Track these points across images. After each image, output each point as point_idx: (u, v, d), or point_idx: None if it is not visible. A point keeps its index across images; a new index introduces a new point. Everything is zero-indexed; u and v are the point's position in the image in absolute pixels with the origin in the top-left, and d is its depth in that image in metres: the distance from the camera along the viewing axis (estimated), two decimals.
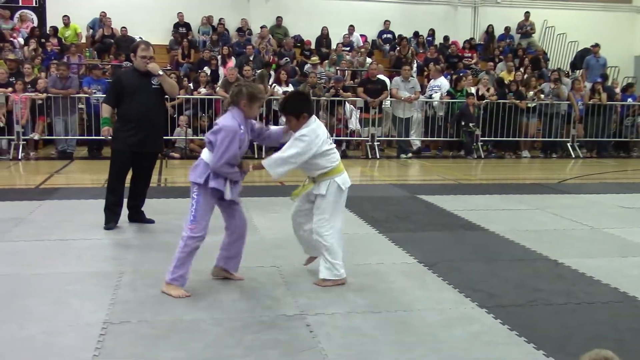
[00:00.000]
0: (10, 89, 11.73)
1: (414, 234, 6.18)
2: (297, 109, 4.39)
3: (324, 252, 4.47)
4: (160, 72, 6.10)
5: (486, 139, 13.59)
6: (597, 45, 16.81)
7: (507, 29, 19.07)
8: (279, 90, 12.94)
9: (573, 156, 13.79)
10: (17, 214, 6.67)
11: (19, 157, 11.50)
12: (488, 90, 13.78)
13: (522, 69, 16.06)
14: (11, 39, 15.17)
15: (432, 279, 4.78)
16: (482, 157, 13.31)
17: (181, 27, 16.98)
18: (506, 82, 14.32)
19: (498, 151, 13.86)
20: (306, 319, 3.90)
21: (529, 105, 13.65)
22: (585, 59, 17.10)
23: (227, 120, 4.22)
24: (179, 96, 11.28)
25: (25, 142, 11.81)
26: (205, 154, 4.24)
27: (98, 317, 3.84)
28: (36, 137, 12.07)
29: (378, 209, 7.30)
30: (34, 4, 17.07)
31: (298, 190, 4.59)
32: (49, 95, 11.83)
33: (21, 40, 15.33)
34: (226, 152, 4.12)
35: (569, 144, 13.97)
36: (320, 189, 4.42)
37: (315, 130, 4.37)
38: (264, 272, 4.79)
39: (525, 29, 19.10)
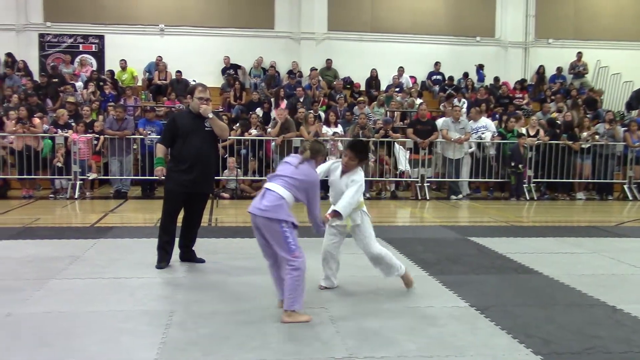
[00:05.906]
0: (70, 131, 12.16)
1: (466, 277, 6.07)
2: (365, 155, 5.33)
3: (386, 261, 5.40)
4: (211, 115, 6.20)
5: (539, 180, 13.35)
6: None
7: (559, 69, 18.92)
8: (328, 131, 13.04)
9: (630, 198, 13.41)
10: (73, 252, 6.84)
11: (76, 196, 11.85)
12: (538, 132, 13.55)
13: (574, 111, 15.78)
14: (71, 82, 15.83)
15: (485, 323, 4.67)
16: (535, 198, 13.04)
17: (229, 70, 17.40)
18: (558, 122, 14.09)
19: (551, 193, 13.57)
20: None
21: (583, 146, 13.39)
22: None
23: (314, 175, 4.79)
24: (230, 137, 11.50)
25: (82, 182, 12.18)
26: (287, 197, 4.59)
27: (148, 356, 3.88)
28: (92, 176, 12.43)
29: (428, 250, 7.21)
30: (94, 49, 17.82)
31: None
32: (106, 136, 12.24)
33: (81, 84, 15.97)
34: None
35: (625, 186, 13.61)
36: (356, 220, 5.31)
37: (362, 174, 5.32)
38: (312, 314, 4.75)
39: (578, 69, 18.92)
